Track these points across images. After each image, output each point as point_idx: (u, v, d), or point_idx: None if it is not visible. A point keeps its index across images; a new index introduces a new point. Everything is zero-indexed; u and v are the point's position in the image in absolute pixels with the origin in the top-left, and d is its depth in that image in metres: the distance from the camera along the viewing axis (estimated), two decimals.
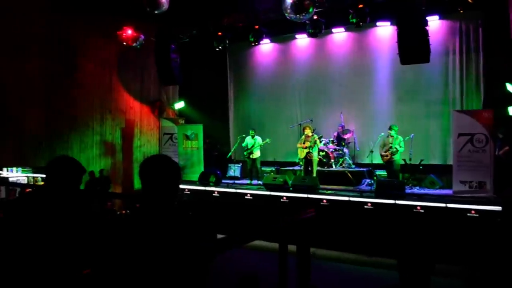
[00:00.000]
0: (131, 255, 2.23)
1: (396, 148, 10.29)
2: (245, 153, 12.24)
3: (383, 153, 10.55)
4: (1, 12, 9.79)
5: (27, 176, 10.70)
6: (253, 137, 12.11)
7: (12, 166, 10.77)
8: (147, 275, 2.23)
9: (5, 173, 10.65)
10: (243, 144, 12.30)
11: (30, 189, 5.54)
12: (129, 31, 11.51)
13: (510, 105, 9.27)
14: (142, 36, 11.74)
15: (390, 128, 10.51)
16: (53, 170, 2.71)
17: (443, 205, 8.05)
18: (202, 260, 2.44)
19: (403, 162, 10.78)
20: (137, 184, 13.25)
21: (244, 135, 12.63)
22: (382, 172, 11.35)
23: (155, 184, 2.29)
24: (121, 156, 12.85)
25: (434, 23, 11.04)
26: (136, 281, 2.22)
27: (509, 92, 9.16)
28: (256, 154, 12.09)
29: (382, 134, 10.91)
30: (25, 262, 2.40)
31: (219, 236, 3.08)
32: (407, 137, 10.56)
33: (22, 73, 10.35)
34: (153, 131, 13.91)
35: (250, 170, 12.29)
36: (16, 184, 9.15)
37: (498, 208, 7.36)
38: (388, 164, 10.60)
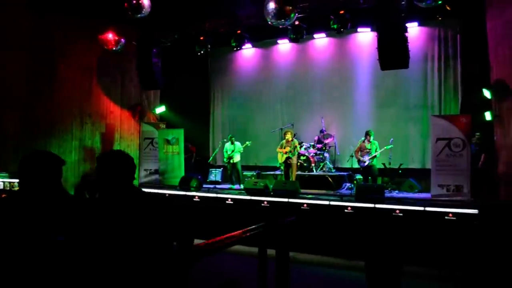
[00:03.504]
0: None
1: (375, 155, 10.44)
2: (224, 159, 12.19)
3: (361, 158, 10.62)
4: None
5: (3, 182, 10.47)
6: (232, 142, 12.08)
7: None
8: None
9: None
10: (224, 150, 12.23)
11: (5, 195, 5.39)
12: (110, 35, 11.40)
13: (487, 110, 9.46)
14: (123, 40, 11.64)
15: (368, 134, 10.63)
16: (28, 165, 2.55)
17: (421, 208, 8.14)
18: (180, 267, 2.44)
19: (382, 166, 10.90)
20: None
21: (225, 140, 12.61)
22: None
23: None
24: None
25: (414, 30, 11.23)
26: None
27: (485, 97, 9.34)
28: (236, 158, 12.04)
29: (363, 138, 11.04)
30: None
31: (199, 241, 3.07)
32: (389, 146, 10.66)
33: (0, 76, 10.18)
34: (133, 136, 13.79)
35: (231, 175, 12.27)
36: None
37: (475, 211, 7.49)
38: (366, 169, 10.70)
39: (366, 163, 10.52)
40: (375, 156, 10.46)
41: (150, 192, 2.60)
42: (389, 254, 2.75)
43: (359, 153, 10.66)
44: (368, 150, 10.51)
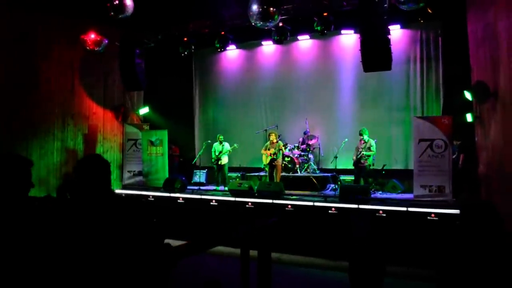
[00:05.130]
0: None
1: (365, 155, 10.46)
2: (212, 159, 12.16)
3: (353, 157, 10.71)
4: None
5: None
6: (221, 143, 12.06)
7: None
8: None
9: None
10: (212, 150, 12.20)
11: None
12: (92, 35, 11.29)
13: (468, 112, 9.58)
14: (106, 40, 11.52)
15: (359, 133, 10.68)
16: None
17: (404, 209, 8.23)
18: (162, 267, 2.42)
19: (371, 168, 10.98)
20: None
21: (210, 141, 12.57)
22: (346, 177, 11.50)
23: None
24: None
25: (396, 32, 11.34)
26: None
27: (467, 99, 9.46)
28: (224, 160, 12.04)
29: (346, 140, 11.09)
30: None
31: (182, 242, 3.05)
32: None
33: None
34: (116, 137, 13.65)
35: (217, 176, 12.24)
36: None
37: (457, 211, 7.59)
38: (358, 169, 10.75)
39: (353, 160, 10.61)
40: (362, 155, 10.48)
41: (121, 195, 2.62)
42: (372, 255, 2.77)
43: (357, 152, 10.72)
44: (361, 149, 10.58)
